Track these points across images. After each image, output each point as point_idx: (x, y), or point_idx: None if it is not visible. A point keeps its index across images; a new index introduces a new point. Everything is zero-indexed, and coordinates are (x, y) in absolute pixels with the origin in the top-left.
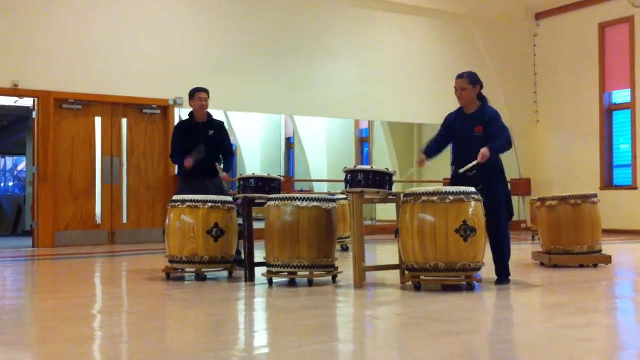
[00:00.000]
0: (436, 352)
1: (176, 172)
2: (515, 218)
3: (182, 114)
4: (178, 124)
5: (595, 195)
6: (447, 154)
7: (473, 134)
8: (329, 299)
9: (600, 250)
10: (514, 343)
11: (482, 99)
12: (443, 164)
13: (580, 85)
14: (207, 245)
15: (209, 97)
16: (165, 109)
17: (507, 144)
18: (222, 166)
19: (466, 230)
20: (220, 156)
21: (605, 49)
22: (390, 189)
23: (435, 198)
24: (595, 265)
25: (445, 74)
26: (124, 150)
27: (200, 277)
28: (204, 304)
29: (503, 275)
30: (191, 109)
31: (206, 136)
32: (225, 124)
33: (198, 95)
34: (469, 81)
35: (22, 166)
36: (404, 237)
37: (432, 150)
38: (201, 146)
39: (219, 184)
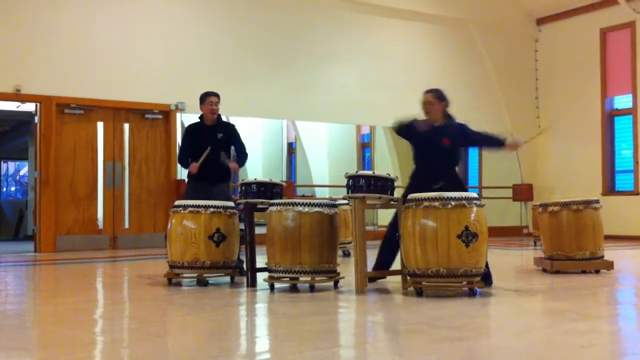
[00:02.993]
0: (438, 358)
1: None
2: (517, 223)
3: (184, 119)
4: (187, 126)
5: (597, 201)
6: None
7: (439, 145)
8: (331, 304)
9: (602, 256)
10: (515, 349)
11: (448, 116)
12: None
13: (581, 90)
14: (208, 250)
15: (219, 100)
16: (167, 114)
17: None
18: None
19: (468, 236)
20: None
21: (607, 54)
22: (392, 194)
23: (436, 203)
24: (597, 271)
25: (447, 79)
26: (125, 155)
27: (202, 283)
28: (205, 310)
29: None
30: (201, 113)
31: (214, 139)
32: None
33: (209, 99)
34: (436, 96)
35: (24, 171)
36: (405, 242)
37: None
38: (208, 147)
39: (225, 190)
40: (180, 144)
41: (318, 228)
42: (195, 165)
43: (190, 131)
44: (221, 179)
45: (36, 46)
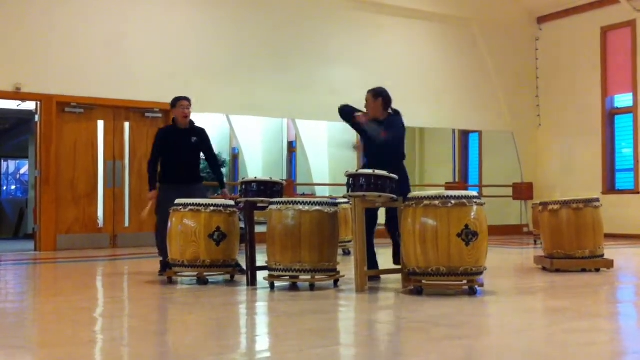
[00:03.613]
0: (438, 356)
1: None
2: (517, 222)
3: None
4: (160, 130)
5: (598, 200)
6: (447, 159)
7: (380, 138)
8: (331, 303)
9: (603, 255)
10: (515, 348)
11: (393, 111)
12: (445, 168)
13: (582, 89)
14: (208, 249)
15: (190, 105)
16: (167, 112)
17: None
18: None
19: (468, 235)
20: (208, 168)
21: (607, 52)
22: (392, 192)
23: (437, 202)
24: (598, 270)
25: (448, 77)
26: (126, 153)
27: (202, 281)
28: (206, 308)
29: None
30: (174, 117)
31: (189, 142)
32: (227, 128)
33: (180, 103)
34: (372, 94)
35: (24, 169)
36: (405, 241)
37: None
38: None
39: (203, 191)
40: (152, 148)
41: (318, 227)
42: (154, 194)
43: (164, 134)
44: (196, 179)
45: (36, 45)
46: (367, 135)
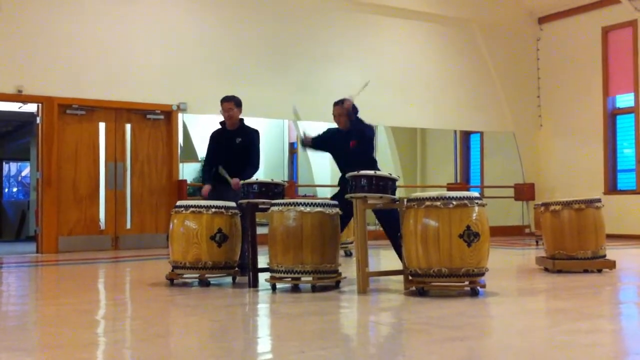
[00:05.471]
0: (440, 358)
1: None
2: (518, 223)
3: (185, 119)
4: (212, 133)
5: (599, 200)
6: (449, 159)
7: (348, 148)
8: (333, 304)
9: (604, 255)
10: (518, 349)
11: (358, 121)
12: (446, 169)
13: (583, 89)
14: (210, 250)
15: (235, 105)
16: (169, 114)
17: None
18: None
19: (470, 235)
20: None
21: (609, 53)
22: (394, 193)
23: (438, 203)
24: (599, 271)
25: (449, 78)
26: (127, 155)
27: (204, 283)
28: (208, 310)
29: None
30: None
31: (231, 144)
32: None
33: (221, 105)
34: (340, 107)
35: (26, 172)
36: (407, 242)
37: (316, 142)
38: (220, 167)
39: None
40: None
41: (320, 228)
42: (207, 188)
43: (212, 137)
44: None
45: (37, 47)
46: (334, 151)
